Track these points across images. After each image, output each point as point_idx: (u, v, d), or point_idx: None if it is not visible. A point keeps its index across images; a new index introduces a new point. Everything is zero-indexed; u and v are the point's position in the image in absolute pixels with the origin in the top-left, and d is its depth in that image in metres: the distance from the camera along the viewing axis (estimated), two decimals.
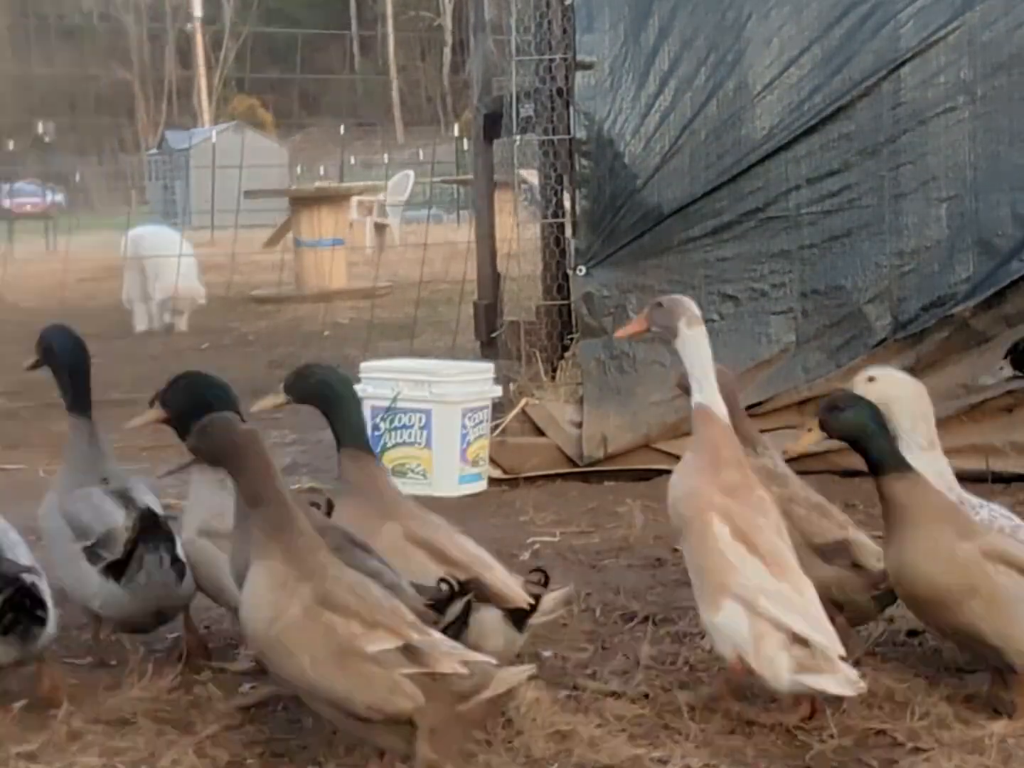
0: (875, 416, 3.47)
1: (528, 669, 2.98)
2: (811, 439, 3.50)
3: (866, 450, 3.44)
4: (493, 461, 6.05)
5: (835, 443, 5.81)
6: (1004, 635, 3.26)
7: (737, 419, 3.63)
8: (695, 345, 3.44)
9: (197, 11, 49.90)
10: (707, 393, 3.43)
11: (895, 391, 3.76)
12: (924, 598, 3.33)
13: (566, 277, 6.43)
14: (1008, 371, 4.05)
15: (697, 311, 3.49)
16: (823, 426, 3.50)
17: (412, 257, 13.00)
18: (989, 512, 3.70)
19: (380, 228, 20.43)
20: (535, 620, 3.41)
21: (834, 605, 3.57)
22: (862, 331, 5.95)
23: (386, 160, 27.82)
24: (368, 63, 60.63)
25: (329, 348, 10.21)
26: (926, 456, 3.71)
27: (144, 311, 12.64)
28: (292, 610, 2.93)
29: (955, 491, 3.70)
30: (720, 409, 3.42)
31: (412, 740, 2.88)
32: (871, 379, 3.78)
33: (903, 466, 3.42)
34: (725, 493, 3.35)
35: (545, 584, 3.46)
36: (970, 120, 5.84)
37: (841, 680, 3.15)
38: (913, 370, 5.84)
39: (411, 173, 23.94)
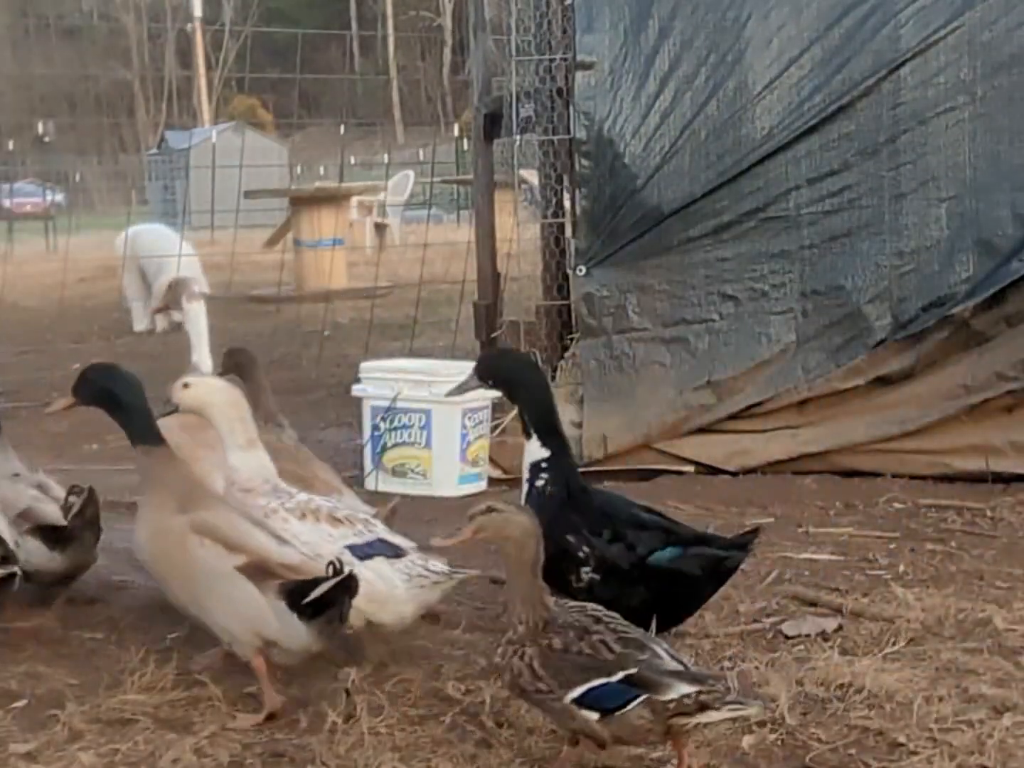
0: (128, 388, 3.63)
1: None
2: (62, 404, 3.76)
3: (118, 421, 3.63)
4: (493, 461, 6.05)
5: (835, 443, 5.87)
6: (204, 609, 3.39)
7: (258, 394, 4.38)
8: (194, 316, 4.48)
9: (197, 11, 49.85)
10: (200, 355, 4.50)
11: (208, 397, 3.92)
12: (149, 570, 3.55)
13: (566, 277, 6.43)
14: (474, 382, 4.06)
15: (196, 289, 4.46)
16: (75, 392, 3.70)
17: (412, 257, 13.00)
18: (308, 502, 3.81)
19: (380, 228, 20.42)
20: None
21: None
22: (862, 331, 5.94)
23: (386, 160, 27.79)
24: (368, 63, 60.62)
25: (329, 348, 10.21)
26: (245, 454, 3.87)
27: (142, 309, 12.63)
28: None
29: (271, 482, 3.85)
30: (208, 369, 4.45)
31: None
32: (186, 385, 3.94)
33: (151, 441, 3.57)
34: (182, 428, 4.06)
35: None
36: (970, 120, 5.83)
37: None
38: (913, 370, 5.90)
39: (411, 173, 23.93)
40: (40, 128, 37.47)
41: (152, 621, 4.04)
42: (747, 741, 3.19)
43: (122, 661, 3.72)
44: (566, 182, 6.49)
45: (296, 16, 56.91)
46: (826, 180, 5.96)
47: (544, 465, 3.86)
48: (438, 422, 5.86)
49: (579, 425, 6.08)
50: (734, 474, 5.96)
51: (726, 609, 4.15)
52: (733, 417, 6.07)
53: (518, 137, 6.65)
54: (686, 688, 2.88)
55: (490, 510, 3.11)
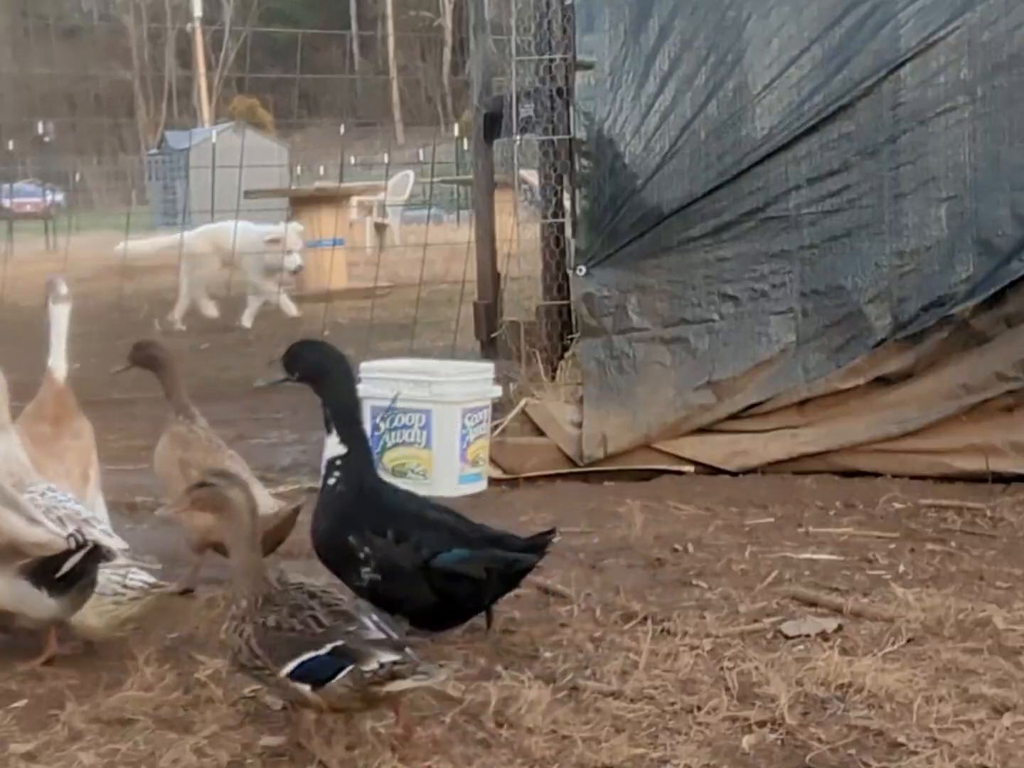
0: None
1: None
2: None
3: None
4: (493, 461, 6.05)
5: (835, 443, 5.87)
6: None
7: (171, 385, 4.52)
8: (57, 318, 4.40)
9: (197, 11, 49.89)
10: (56, 358, 4.40)
11: None
12: None
13: (566, 277, 6.42)
14: (281, 374, 4.08)
15: (64, 291, 4.40)
16: None
17: (412, 257, 13.00)
18: (49, 497, 3.87)
19: (380, 228, 20.42)
20: None
21: (214, 546, 4.30)
22: (862, 331, 5.94)
23: (386, 160, 27.79)
24: (368, 63, 60.67)
25: None
26: None
27: (193, 306, 12.78)
28: None
29: (13, 471, 3.91)
30: (61, 373, 4.38)
31: None
32: None
33: None
34: (34, 441, 4.17)
35: None
36: (970, 120, 5.83)
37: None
38: (913, 370, 5.90)
39: (411, 173, 23.93)
40: (40, 128, 37.46)
41: (152, 621, 4.03)
42: (747, 741, 3.19)
43: (122, 661, 3.72)
44: (566, 182, 6.49)
45: (296, 16, 56.95)
46: (826, 180, 5.96)
47: (339, 463, 3.85)
48: (438, 422, 5.86)
49: (579, 425, 6.08)
50: (734, 474, 5.96)
51: (726, 609, 4.15)
52: (733, 417, 6.07)
53: (518, 137, 6.65)
54: (387, 657, 3.05)
55: (203, 484, 3.29)
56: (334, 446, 3.85)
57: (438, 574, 3.76)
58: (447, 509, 4.00)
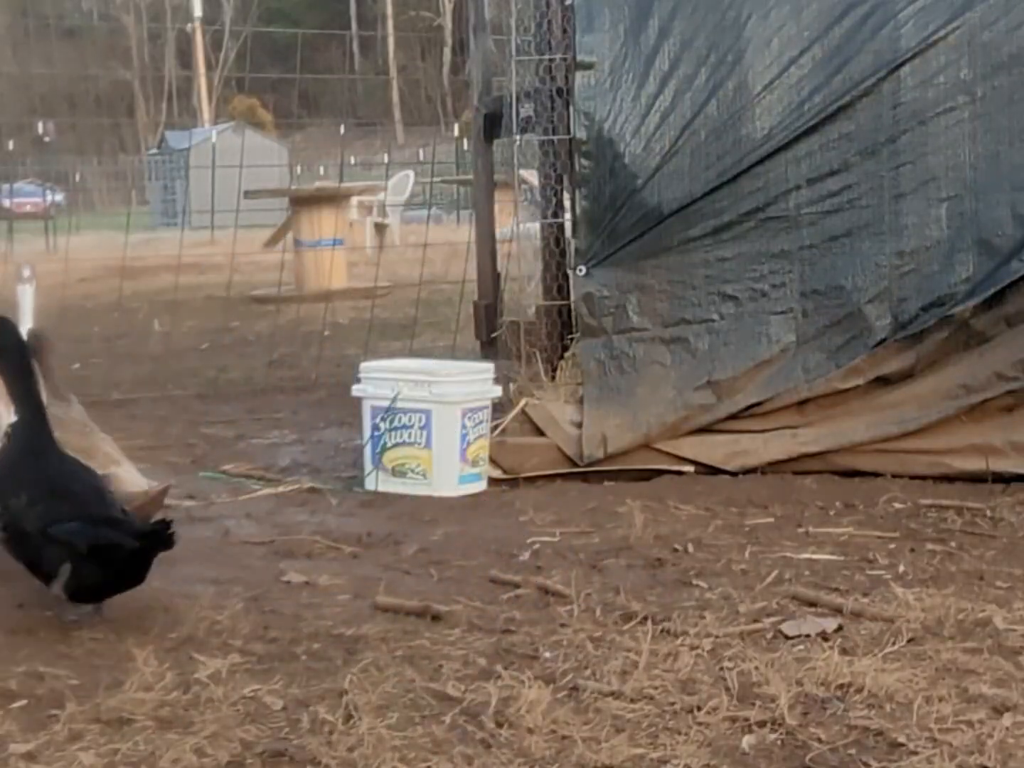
0: None
1: None
2: None
3: None
4: (493, 461, 6.05)
5: (835, 443, 5.87)
6: None
7: (47, 372, 4.68)
8: (23, 296, 5.01)
9: (197, 11, 49.92)
10: (23, 328, 4.73)
11: None
12: None
13: (566, 277, 6.42)
14: None
15: (28, 273, 5.04)
16: None
17: (412, 257, 13.01)
18: None
19: (380, 228, 20.43)
20: None
21: None
22: (862, 331, 5.94)
23: (386, 160, 27.79)
24: (368, 63, 60.69)
25: (329, 348, 10.21)
26: None
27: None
28: None
29: None
30: None
31: None
32: None
33: None
34: None
35: None
36: (970, 120, 5.83)
37: None
38: (913, 370, 5.90)
39: (411, 173, 23.94)
40: (40, 128, 37.45)
41: (152, 621, 4.04)
42: (747, 741, 3.19)
43: (122, 661, 3.72)
44: (566, 182, 6.48)
45: (296, 16, 56.95)
46: (826, 180, 5.96)
47: (9, 430, 4.17)
48: (438, 422, 5.86)
49: (579, 425, 6.08)
50: (734, 474, 5.96)
51: (726, 609, 4.15)
52: (733, 417, 6.07)
53: (518, 137, 6.65)
54: None
55: None
56: (11, 414, 4.19)
57: (52, 542, 3.94)
58: (98, 488, 4.16)
